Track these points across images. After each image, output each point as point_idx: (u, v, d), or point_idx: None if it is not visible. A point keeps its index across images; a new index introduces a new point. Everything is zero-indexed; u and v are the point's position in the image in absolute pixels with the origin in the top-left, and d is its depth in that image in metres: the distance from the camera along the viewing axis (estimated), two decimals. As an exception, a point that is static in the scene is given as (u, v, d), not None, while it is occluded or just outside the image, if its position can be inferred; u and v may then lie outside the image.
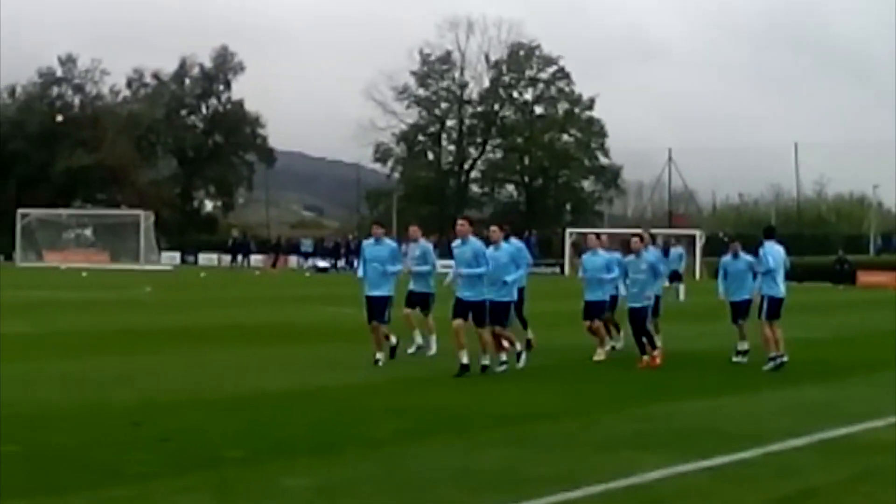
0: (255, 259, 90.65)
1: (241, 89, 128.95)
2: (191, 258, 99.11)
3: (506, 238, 21.57)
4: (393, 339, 22.05)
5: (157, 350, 22.95)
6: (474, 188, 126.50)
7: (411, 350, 23.13)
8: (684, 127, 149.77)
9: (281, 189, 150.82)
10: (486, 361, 20.22)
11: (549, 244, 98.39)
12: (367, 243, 21.98)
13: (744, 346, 23.51)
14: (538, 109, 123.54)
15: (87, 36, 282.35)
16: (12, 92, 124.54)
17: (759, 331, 22.44)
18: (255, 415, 15.50)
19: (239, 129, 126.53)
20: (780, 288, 22.65)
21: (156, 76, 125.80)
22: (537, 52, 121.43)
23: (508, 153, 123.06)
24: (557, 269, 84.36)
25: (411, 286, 23.80)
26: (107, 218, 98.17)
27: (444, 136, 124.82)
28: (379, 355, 21.25)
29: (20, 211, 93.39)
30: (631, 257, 22.78)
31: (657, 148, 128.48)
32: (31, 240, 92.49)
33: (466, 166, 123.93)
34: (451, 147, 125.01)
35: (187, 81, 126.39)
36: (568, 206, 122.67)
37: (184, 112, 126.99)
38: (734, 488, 11.35)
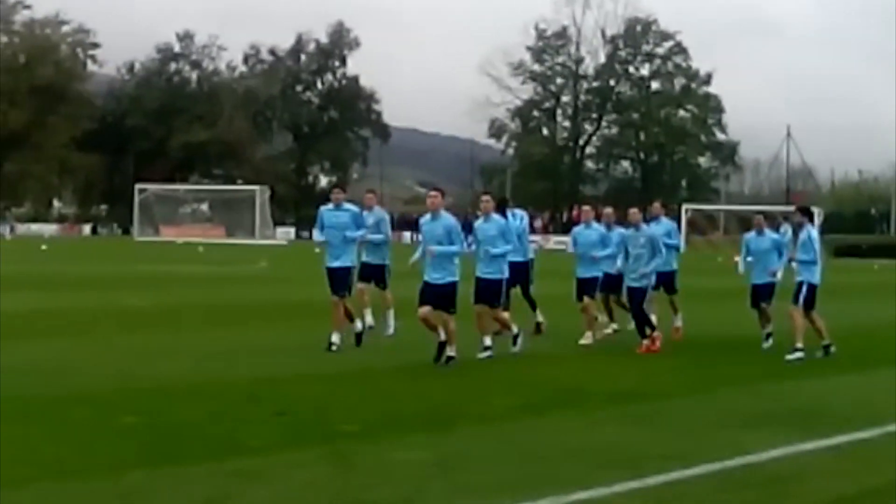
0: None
1: (357, 65, 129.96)
2: (305, 233, 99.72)
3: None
4: (358, 325, 20.16)
5: (272, 324, 23.10)
6: (589, 164, 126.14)
7: (357, 330, 20.37)
8: (803, 103, 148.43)
9: (395, 165, 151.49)
10: (451, 353, 17.95)
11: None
12: (326, 209, 20.05)
13: (769, 328, 21.41)
14: (654, 85, 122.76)
15: (205, 12, 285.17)
16: (131, 68, 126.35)
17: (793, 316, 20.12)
18: (369, 389, 15.54)
19: (354, 104, 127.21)
20: (818, 275, 20.30)
21: (272, 52, 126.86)
22: (654, 27, 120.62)
23: (624, 129, 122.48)
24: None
25: (365, 257, 21.81)
26: (223, 193, 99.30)
27: (559, 111, 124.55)
28: (335, 338, 19.19)
29: (138, 186, 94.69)
30: (630, 230, 20.90)
31: (775, 124, 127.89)
32: (148, 214, 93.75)
33: (581, 142, 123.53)
34: (566, 123, 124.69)
35: (303, 57, 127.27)
36: (684, 183, 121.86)
37: (299, 88, 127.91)
38: (855, 468, 11.15)
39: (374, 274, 21.87)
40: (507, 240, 19.01)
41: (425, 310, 18.02)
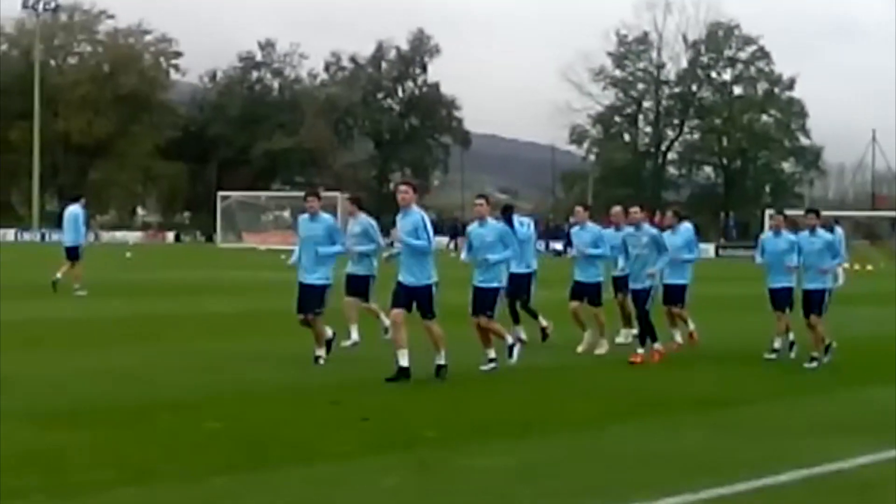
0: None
1: (437, 72, 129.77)
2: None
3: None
4: (328, 332, 18.42)
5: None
6: (671, 170, 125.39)
7: (346, 343, 19.60)
8: (888, 107, 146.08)
9: (475, 171, 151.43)
10: (441, 361, 16.67)
11: (748, 227, 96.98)
12: (302, 219, 18.25)
13: (778, 343, 20.18)
14: (737, 90, 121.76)
15: (286, 20, 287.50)
16: (213, 76, 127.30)
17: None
18: (451, 395, 15.52)
19: (435, 111, 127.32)
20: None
21: (353, 60, 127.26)
22: (736, 32, 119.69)
23: (706, 134, 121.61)
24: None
25: (350, 268, 20.36)
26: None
27: (640, 117, 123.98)
28: (319, 352, 18.04)
29: (220, 193, 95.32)
30: (630, 230, 19.62)
31: (860, 128, 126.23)
32: (231, 221, 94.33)
33: (663, 148, 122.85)
34: (648, 128, 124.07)
35: (384, 65, 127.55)
36: (767, 188, 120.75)
37: (380, 95, 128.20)
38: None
39: (359, 286, 20.35)
40: (506, 244, 17.68)
41: (396, 312, 16.50)
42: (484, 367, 17.44)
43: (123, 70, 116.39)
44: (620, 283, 21.19)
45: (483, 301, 17.54)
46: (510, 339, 18.30)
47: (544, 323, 21.56)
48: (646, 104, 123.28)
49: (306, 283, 17.83)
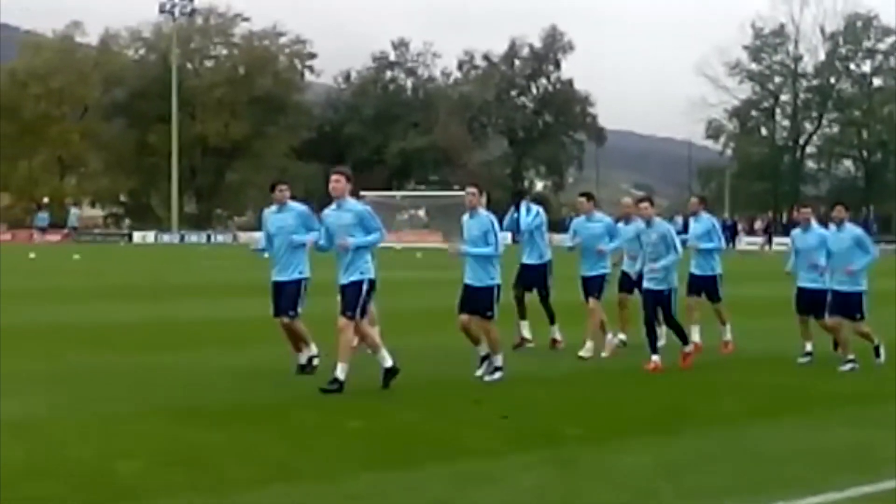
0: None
1: (571, 69, 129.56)
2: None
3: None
4: (313, 349, 16.64)
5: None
6: (810, 164, 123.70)
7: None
8: None
9: (610, 168, 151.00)
10: (387, 364, 15.28)
11: (889, 221, 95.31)
12: (270, 212, 16.78)
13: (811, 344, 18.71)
14: (876, 81, 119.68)
15: (420, 19, 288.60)
16: (347, 77, 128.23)
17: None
18: (593, 392, 15.45)
19: (569, 108, 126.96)
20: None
21: (486, 58, 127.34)
22: (875, 23, 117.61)
23: (845, 127, 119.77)
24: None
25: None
26: (439, 199, 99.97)
27: (777, 110, 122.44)
28: (303, 358, 16.59)
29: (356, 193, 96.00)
30: (641, 226, 18.10)
31: None
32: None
33: (801, 141, 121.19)
34: (786, 122, 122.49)
35: (517, 62, 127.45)
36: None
37: (514, 93, 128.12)
38: None
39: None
40: (487, 241, 16.09)
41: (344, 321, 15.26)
42: (484, 376, 16.24)
43: (259, 72, 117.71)
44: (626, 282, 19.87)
45: (477, 301, 16.26)
46: (482, 351, 16.46)
47: (557, 336, 19.91)
48: (783, 97, 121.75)
49: (278, 282, 16.46)
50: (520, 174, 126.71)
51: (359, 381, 15.19)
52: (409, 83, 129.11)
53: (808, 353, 18.52)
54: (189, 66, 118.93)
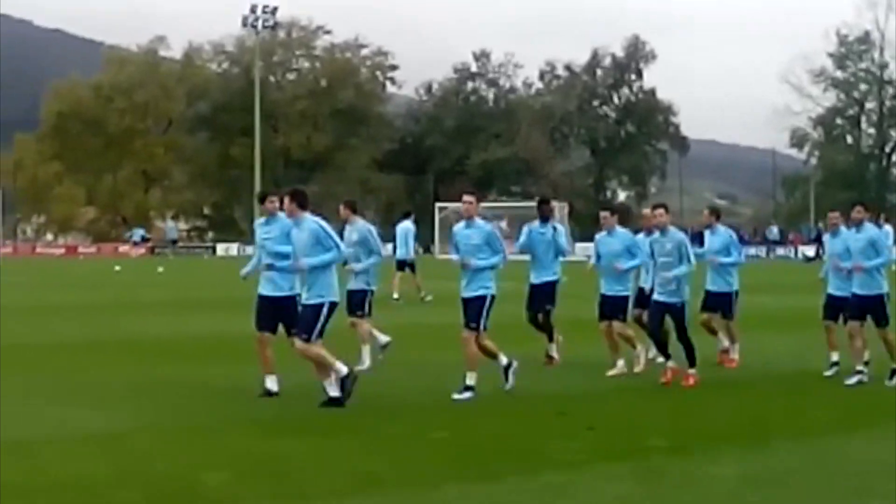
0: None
1: (653, 78, 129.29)
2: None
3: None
4: (342, 369, 14.76)
5: (578, 339, 22.60)
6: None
7: (362, 367, 17.48)
8: None
9: (693, 177, 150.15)
10: (333, 394, 14.47)
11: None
12: (259, 224, 15.96)
13: (835, 356, 17.70)
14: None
15: (501, 31, 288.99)
16: (429, 88, 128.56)
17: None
18: (678, 403, 15.30)
19: (651, 117, 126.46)
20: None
21: (568, 68, 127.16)
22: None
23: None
24: None
25: (349, 284, 18.27)
26: (521, 210, 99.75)
27: (863, 118, 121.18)
28: (269, 382, 15.31)
29: (438, 205, 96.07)
30: (655, 234, 17.29)
31: None
32: (448, 232, 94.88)
33: (887, 149, 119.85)
34: (871, 130, 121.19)
35: (599, 72, 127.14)
36: None
37: (596, 102, 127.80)
38: None
39: (359, 303, 18.47)
40: (495, 250, 15.52)
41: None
42: (457, 396, 15.09)
43: (341, 84, 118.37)
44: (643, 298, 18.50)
45: (467, 312, 15.60)
46: (504, 360, 15.87)
47: (554, 354, 19.05)
48: (868, 105, 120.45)
49: (263, 296, 15.46)
50: (602, 184, 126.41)
51: (442, 392, 15.18)
52: (491, 94, 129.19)
53: (835, 364, 17.62)
54: (272, 79, 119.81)
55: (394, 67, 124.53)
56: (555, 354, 19.04)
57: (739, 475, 10.67)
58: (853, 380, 16.74)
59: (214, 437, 12.48)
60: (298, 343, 14.43)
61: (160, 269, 58.15)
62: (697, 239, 19.85)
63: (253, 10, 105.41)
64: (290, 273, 15.14)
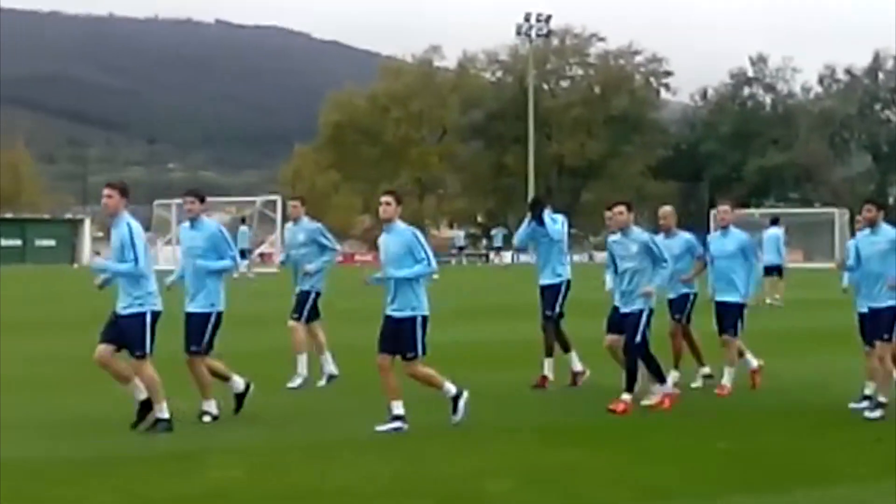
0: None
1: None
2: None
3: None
4: (238, 383, 14.25)
5: (837, 351, 21.36)
6: None
7: (322, 383, 16.57)
8: None
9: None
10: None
11: None
12: (183, 227, 14.52)
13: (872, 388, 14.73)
14: None
15: (778, 35, 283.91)
16: (704, 94, 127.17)
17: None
18: None
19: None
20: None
21: (848, 71, 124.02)
22: None
23: None
24: None
25: (299, 285, 16.84)
26: (799, 216, 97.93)
27: None
28: (207, 406, 13.88)
29: (713, 211, 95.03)
30: (617, 236, 15.30)
31: None
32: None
33: None
34: None
35: (881, 75, 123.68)
36: None
37: (878, 106, 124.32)
38: None
39: (300, 302, 16.79)
40: (417, 258, 13.27)
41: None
42: (380, 428, 13.17)
43: (614, 91, 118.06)
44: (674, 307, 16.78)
45: (397, 335, 13.28)
46: (452, 390, 13.60)
47: (549, 374, 16.68)
48: None
49: (188, 312, 14.06)
50: (884, 190, 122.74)
51: (725, 403, 14.93)
52: (768, 99, 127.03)
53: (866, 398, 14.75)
54: (545, 86, 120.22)
55: (668, 73, 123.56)
56: (548, 374, 16.70)
57: None
58: (873, 413, 14.27)
59: (496, 444, 12.50)
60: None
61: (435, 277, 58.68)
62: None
63: (527, 18, 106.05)
64: (214, 288, 13.99)
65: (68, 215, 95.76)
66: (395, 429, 13.08)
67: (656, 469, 11.21)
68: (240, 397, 14.37)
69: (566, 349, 16.83)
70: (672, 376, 15.78)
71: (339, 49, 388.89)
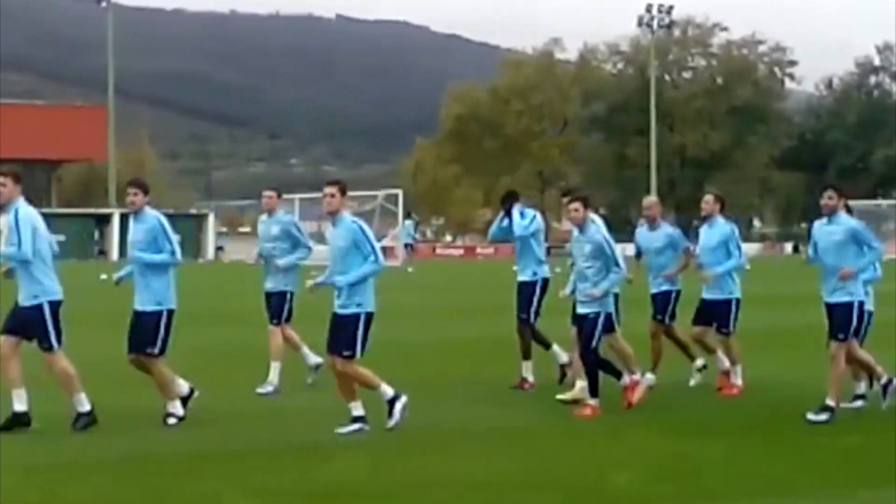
0: None
1: None
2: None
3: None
4: (183, 386, 13.41)
5: None
6: None
7: (263, 390, 15.35)
8: None
9: None
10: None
11: None
12: (131, 219, 13.58)
13: (861, 388, 14.35)
14: None
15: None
16: (829, 83, 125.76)
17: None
18: None
19: None
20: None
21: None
22: None
23: None
24: None
25: (267, 284, 15.91)
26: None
27: None
28: (172, 408, 13.14)
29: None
30: (575, 233, 14.37)
31: None
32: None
33: None
34: None
35: None
36: None
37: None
38: None
39: (278, 307, 15.75)
40: (363, 253, 12.52)
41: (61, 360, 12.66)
42: (341, 430, 12.46)
43: (738, 82, 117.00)
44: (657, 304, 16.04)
45: (339, 335, 12.59)
46: (389, 391, 12.72)
47: (529, 376, 15.96)
48: None
49: (135, 311, 13.29)
50: None
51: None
52: (895, 88, 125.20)
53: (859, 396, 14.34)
54: (667, 77, 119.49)
55: (792, 63, 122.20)
56: (527, 375, 16.03)
57: None
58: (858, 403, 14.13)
59: (620, 437, 12.45)
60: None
61: (557, 270, 58.54)
62: (694, 234, 17.34)
63: (648, 9, 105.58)
64: (160, 284, 13.22)
65: (192, 210, 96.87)
66: (356, 430, 12.46)
67: (779, 462, 11.12)
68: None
69: (547, 347, 16.17)
70: (647, 379, 15.02)
71: (458, 43, 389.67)
